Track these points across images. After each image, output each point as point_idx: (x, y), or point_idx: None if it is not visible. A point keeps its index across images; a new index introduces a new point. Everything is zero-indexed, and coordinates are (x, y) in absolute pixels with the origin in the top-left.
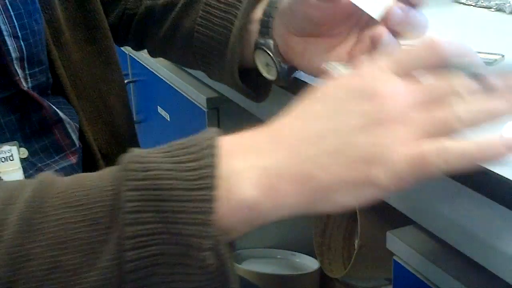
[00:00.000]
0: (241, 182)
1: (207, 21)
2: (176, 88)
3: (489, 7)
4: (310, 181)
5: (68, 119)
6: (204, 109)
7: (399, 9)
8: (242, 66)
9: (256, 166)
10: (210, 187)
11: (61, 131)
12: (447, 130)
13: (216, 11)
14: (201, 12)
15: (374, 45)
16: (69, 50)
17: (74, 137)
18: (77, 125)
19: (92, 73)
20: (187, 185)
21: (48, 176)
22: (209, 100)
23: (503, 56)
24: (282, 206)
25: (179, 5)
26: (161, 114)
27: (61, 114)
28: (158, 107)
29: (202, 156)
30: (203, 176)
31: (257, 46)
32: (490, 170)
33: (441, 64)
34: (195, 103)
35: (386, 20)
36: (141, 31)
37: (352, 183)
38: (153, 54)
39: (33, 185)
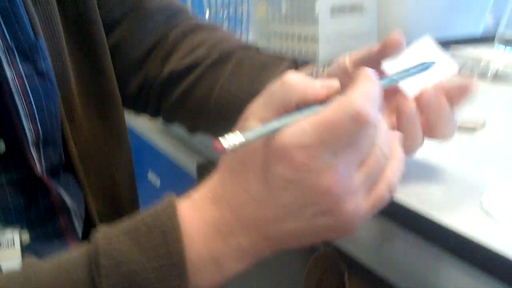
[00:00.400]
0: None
1: (235, 79)
2: (166, 154)
3: (471, 75)
4: (285, 248)
5: (75, 207)
6: (194, 176)
7: (433, 97)
8: None
9: (234, 248)
10: (180, 275)
11: (65, 219)
12: (381, 170)
13: (247, 70)
14: (231, 69)
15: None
16: (81, 127)
17: (77, 225)
18: (83, 215)
19: (102, 149)
20: (158, 276)
21: (30, 266)
22: (199, 166)
23: (483, 122)
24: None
25: (204, 64)
26: (151, 180)
27: (68, 202)
28: (149, 172)
29: (168, 242)
30: (172, 263)
31: None
32: (485, 244)
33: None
34: (185, 168)
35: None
36: (160, 94)
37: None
38: (167, 117)
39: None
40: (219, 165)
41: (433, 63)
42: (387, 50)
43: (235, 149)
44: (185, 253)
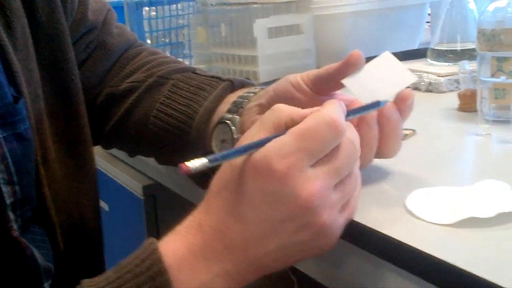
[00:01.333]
0: None
1: (172, 100)
2: (112, 178)
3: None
4: (269, 270)
5: (48, 267)
6: (141, 197)
7: (395, 111)
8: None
9: (220, 275)
10: None
11: (37, 282)
12: (354, 189)
13: (184, 92)
14: (167, 92)
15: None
16: (53, 168)
17: (46, 284)
18: (52, 268)
19: (72, 187)
20: None
21: None
22: (145, 187)
23: (414, 130)
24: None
25: (141, 88)
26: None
27: (41, 266)
28: None
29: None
30: None
31: (220, 121)
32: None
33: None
34: (132, 191)
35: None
36: (98, 118)
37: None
38: (107, 141)
39: None
40: (206, 193)
41: (385, 102)
42: (347, 67)
43: (198, 170)
44: None
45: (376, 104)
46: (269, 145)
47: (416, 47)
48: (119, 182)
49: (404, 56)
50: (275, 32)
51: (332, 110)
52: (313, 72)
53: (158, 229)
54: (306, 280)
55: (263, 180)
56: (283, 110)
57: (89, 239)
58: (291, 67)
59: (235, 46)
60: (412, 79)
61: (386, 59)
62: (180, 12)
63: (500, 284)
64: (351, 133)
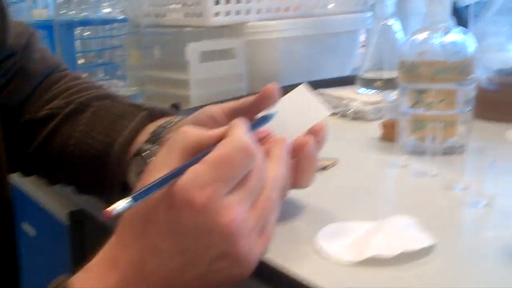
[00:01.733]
0: None
1: (91, 129)
2: (39, 202)
3: (334, 114)
4: None
5: None
6: (66, 223)
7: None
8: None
9: None
10: None
11: None
12: (270, 211)
13: (103, 121)
14: (86, 120)
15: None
16: None
17: None
18: None
19: None
20: None
21: None
22: (71, 213)
23: (336, 161)
24: None
25: (60, 115)
26: (26, 230)
27: None
28: (24, 222)
29: None
30: None
31: (138, 152)
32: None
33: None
34: (57, 217)
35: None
36: (18, 145)
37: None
38: (26, 169)
39: None
40: (118, 226)
41: (273, 114)
42: (262, 101)
43: (123, 212)
44: None
45: (266, 119)
46: (185, 176)
47: (348, 73)
48: (46, 207)
49: (335, 82)
50: (207, 56)
51: (243, 134)
52: (229, 105)
53: (84, 257)
54: None
55: (181, 212)
56: (189, 133)
57: (2, 266)
58: (224, 91)
59: (168, 69)
60: (327, 113)
61: (301, 92)
62: (114, 33)
63: None
64: (258, 155)
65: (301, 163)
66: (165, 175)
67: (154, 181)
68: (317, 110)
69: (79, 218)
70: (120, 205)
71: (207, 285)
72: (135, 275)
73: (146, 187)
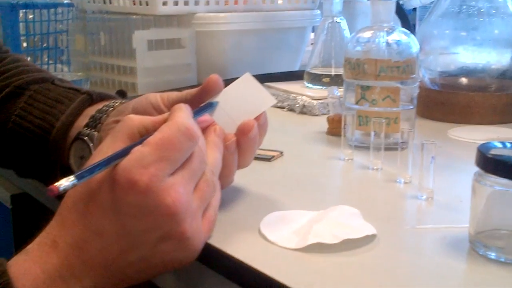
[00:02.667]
0: None
1: (27, 113)
2: None
3: (282, 107)
4: (131, 282)
5: None
6: (9, 206)
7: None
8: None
9: None
10: None
11: None
12: (211, 197)
13: (40, 104)
14: (23, 104)
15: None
16: None
17: None
18: None
19: None
20: None
21: None
22: (13, 197)
23: (281, 152)
24: None
25: None
26: None
27: None
28: None
29: None
30: None
31: (78, 137)
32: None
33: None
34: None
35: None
36: None
37: (167, 271)
38: None
39: None
40: (59, 207)
41: (216, 102)
42: (206, 92)
43: (68, 189)
44: None
45: (209, 106)
46: (128, 157)
47: (296, 69)
48: None
49: (283, 77)
50: (155, 45)
51: (185, 117)
52: (174, 94)
53: (27, 240)
54: None
55: (125, 193)
56: (134, 119)
57: None
58: (171, 81)
59: (114, 56)
60: (272, 102)
61: (246, 81)
62: (59, 17)
63: None
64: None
65: (244, 145)
66: (109, 156)
67: (98, 161)
68: (262, 99)
69: (22, 202)
70: (64, 183)
71: (151, 268)
72: (76, 257)
73: (90, 166)
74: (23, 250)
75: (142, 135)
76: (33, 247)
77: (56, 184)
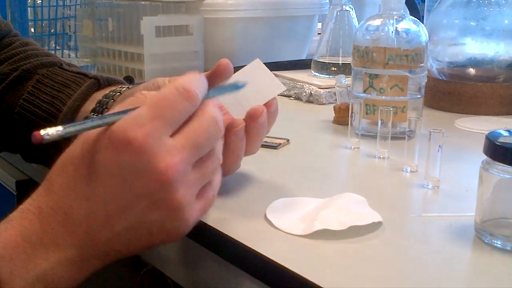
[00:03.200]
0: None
1: (35, 97)
2: None
3: (289, 96)
4: (116, 255)
5: None
6: (14, 192)
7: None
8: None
9: (61, 262)
10: None
11: None
12: (213, 173)
13: (48, 88)
14: (30, 88)
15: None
16: None
17: None
18: None
19: None
20: None
21: None
22: (18, 182)
23: (288, 140)
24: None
25: (5, 82)
26: None
27: None
28: None
29: None
30: None
31: None
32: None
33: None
34: (4, 185)
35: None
36: None
37: (154, 245)
38: None
39: None
40: (49, 172)
41: (244, 83)
42: (216, 76)
43: (53, 139)
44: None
45: (234, 86)
46: (125, 116)
47: (304, 58)
48: None
49: (290, 65)
50: (163, 32)
51: (186, 80)
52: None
53: None
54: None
55: (118, 152)
56: (147, 95)
57: None
58: (179, 68)
59: (121, 42)
60: (281, 89)
61: (256, 67)
62: (67, 3)
63: None
64: (214, 112)
65: (252, 131)
66: (104, 115)
67: (91, 119)
68: (271, 86)
69: (27, 188)
70: (50, 131)
71: (137, 239)
72: (60, 224)
73: (81, 122)
74: (5, 219)
75: None
76: (16, 214)
77: (42, 130)
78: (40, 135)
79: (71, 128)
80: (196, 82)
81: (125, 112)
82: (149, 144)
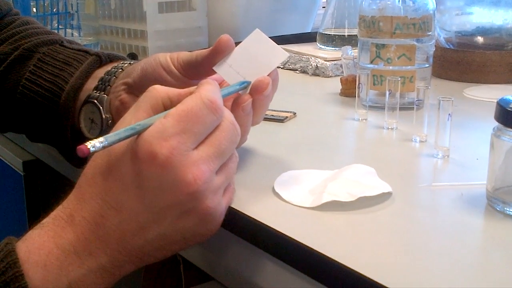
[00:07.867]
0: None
1: (37, 76)
2: None
3: (294, 69)
4: (149, 259)
5: None
6: (21, 173)
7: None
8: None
9: (94, 270)
10: None
11: None
12: (235, 171)
13: (49, 67)
14: (32, 67)
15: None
16: None
17: None
18: None
19: None
20: None
21: None
22: (25, 163)
23: (294, 113)
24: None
25: (6, 62)
26: None
27: None
28: None
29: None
30: None
31: (87, 100)
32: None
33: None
34: (12, 166)
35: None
36: None
37: (188, 247)
38: None
39: None
40: (78, 180)
41: (249, 82)
42: (217, 52)
43: (99, 150)
44: None
45: (240, 85)
46: (150, 129)
47: (309, 31)
48: (1, 157)
49: (295, 39)
50: (166, 8)
51: (210, 90)
52: (184, 55)
53: (40, 207)
54: (190, 269)
55: (145, 166)
56: (160, 90)
57: None
58: (182, 44)
59: (124, 20)
60: (284, 56)
61: (256, 37)
62: None
63: (351, 266)
64: (231, 116)
65: (258, 103)
66: (135, 124)
67: (124, 128)
68: (274, 54)
69: (34, 169)
70: (96, 144)
71: (171, 244)
72: (93, 233)
73: (119, 131)
74: (38, 224)
75: (166, 107)
76: (49, 221)
77: (87, 144)
78: (87, 149)
79: (113, 138)
80: (218, 91)
81: (153, 119)
82: (175, 158)
